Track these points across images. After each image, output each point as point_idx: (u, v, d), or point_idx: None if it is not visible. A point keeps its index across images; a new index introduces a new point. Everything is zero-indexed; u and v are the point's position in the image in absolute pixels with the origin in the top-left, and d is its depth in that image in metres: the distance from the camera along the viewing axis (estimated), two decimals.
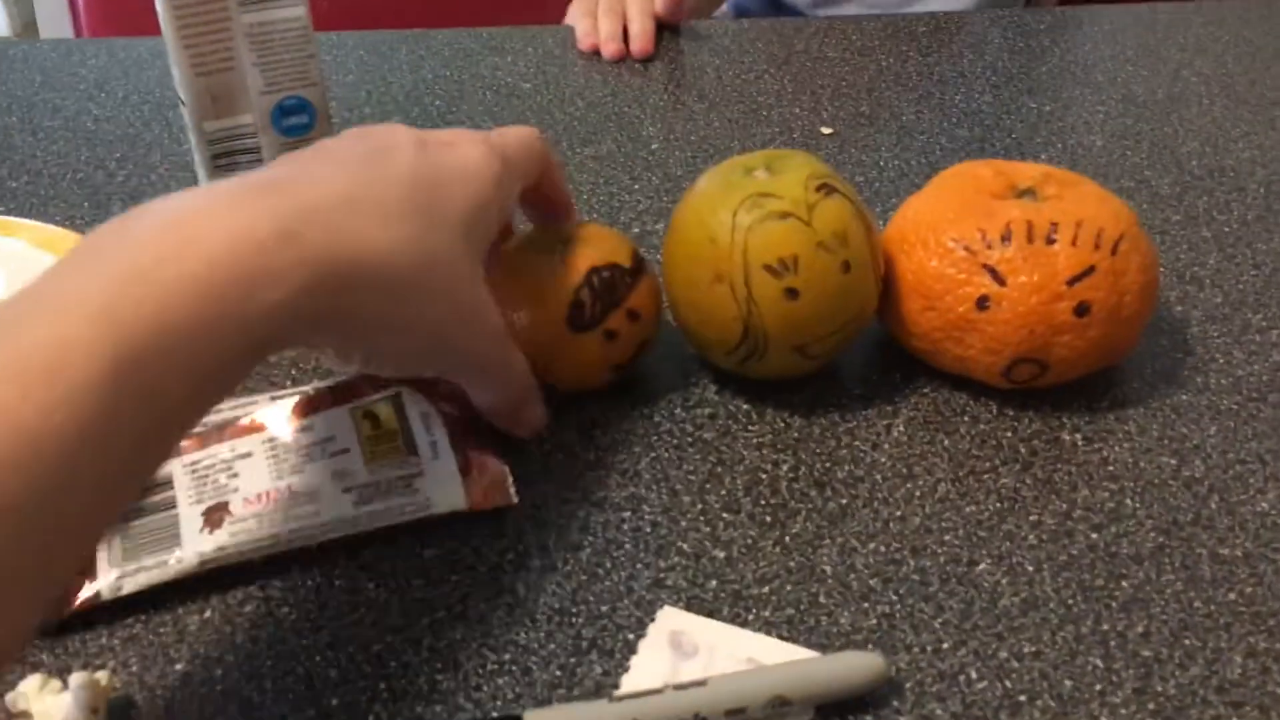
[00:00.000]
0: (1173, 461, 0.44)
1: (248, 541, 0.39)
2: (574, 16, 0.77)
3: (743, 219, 0.43)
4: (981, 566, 0.40)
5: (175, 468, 0.41)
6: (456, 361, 0.40)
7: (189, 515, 0.40)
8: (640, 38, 0.73)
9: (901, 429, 0.46)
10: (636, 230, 0.57)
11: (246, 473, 0.41)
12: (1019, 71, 0.71)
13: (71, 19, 1.16)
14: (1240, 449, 0.44)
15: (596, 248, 0.45)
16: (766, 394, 0.47)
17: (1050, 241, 0.44)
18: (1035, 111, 0.66)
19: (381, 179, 0.36)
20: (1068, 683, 0.36)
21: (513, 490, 0.42)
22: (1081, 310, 0.44)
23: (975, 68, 0.71)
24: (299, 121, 0.57)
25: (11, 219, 0.49)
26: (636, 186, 0.60)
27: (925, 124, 0.65)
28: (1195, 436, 0.45)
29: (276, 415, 0.43)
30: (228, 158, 0.57)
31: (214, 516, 0.40)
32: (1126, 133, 0.64)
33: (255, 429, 0.42)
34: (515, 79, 0.71)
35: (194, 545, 0.39)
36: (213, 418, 0.43)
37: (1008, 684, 0.36)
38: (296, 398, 0.44)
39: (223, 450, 0.42)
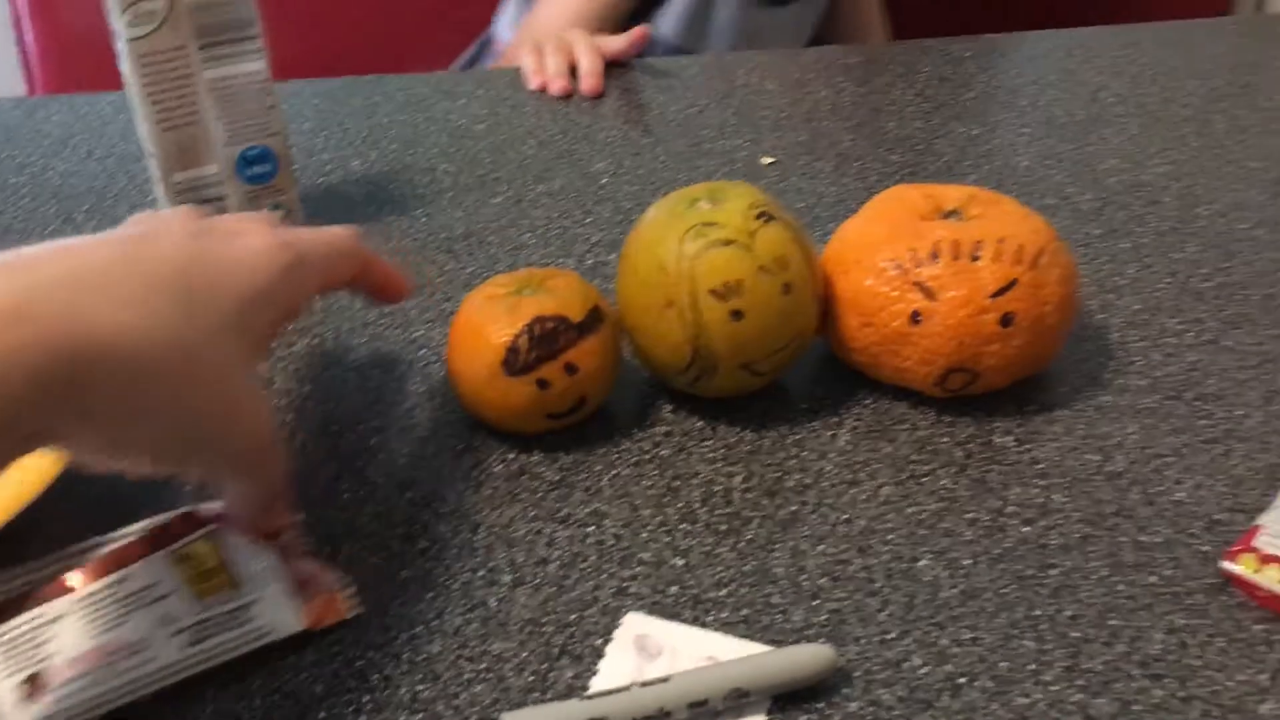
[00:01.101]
0: (1096, 458, 0.47)
1: (77, 705, 0.37)
2: (519, 56, 0.80)
3: (689, 247, 0.46)
4: (922, 562, 0.43)
5: None
6: (213, 457, 0.37)
7: (5, 689, 0.38)
8: (590, 75, 0.76)
9: (846, 438, 0.49)
10: (590, 262, 0.60)
11: (62, 635, 0.39)
12: (947, 98, 0.74)
13: (24, 75, 1.18)
14: (1159, 444, 0.48)
15: (552, 298, 0.47)
16: (718, 411, 0.50)
17: (975, 258, 0.48)
18: (964, 135, 0.70)
19: (138, 260, 0.35)
20: (1004, 664, 0.39)
21: (346, 606, 0.41)
22: (1006, 321, 0.47)
23: (906, 95, 0.75)
24: (262, 170, 0.59)
25: None
26: (589, 220, 0.63)
27: (860, 151, 0.69)
28: (1117, 434, 0.48)
29: (84, 573, 0.41)
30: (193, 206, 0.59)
31: (35, 685, 0.38)
32: (1049, 153, 0.68)
33: (63, 590, 0.40)
34: (469, 120, 0.73)
35: (18, 718, 0.37)
36: (9, 584, 0.41)
37: (949, 668, 0.39)
38: (103, 552, 0.42)
39: (30, 617, 0.40)
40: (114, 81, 0.86)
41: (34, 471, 0.42)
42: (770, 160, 0.68)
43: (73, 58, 1.15)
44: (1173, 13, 0.88)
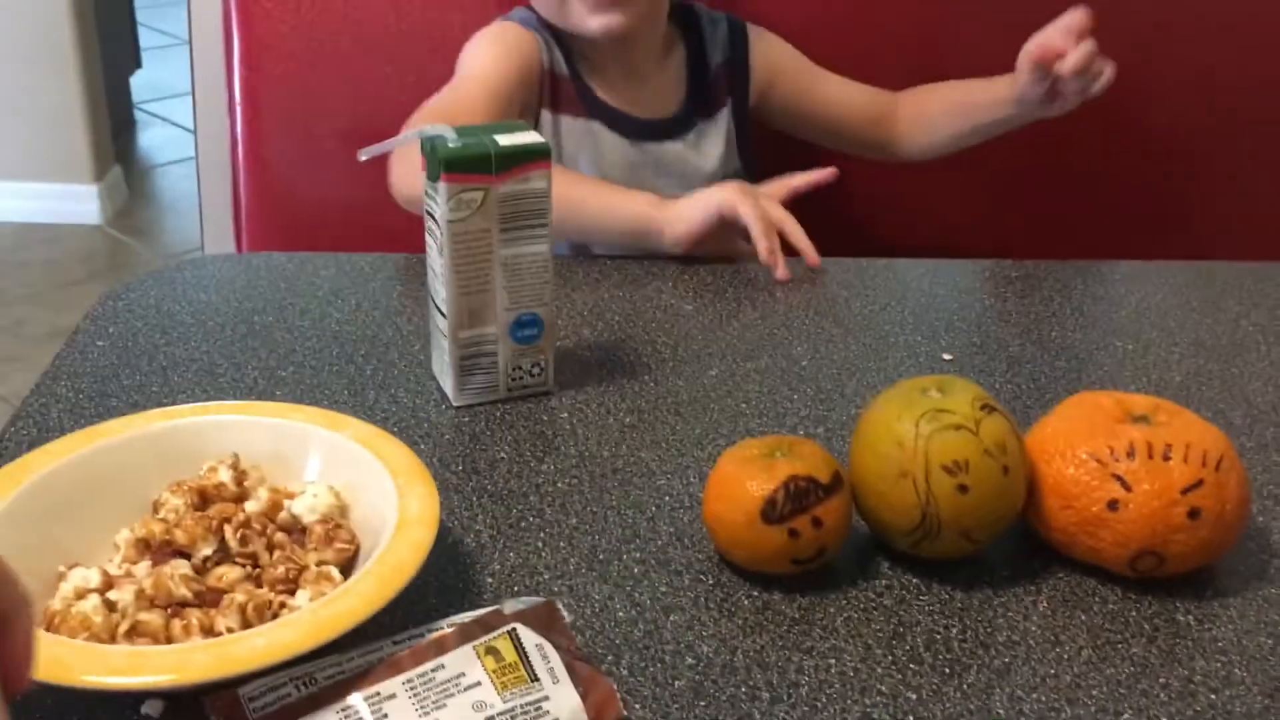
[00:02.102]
0: (1269, 641, 0.54)
1: None
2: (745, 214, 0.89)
3: (924, 428, 0.55)
4: (1125, 716, 0.50)
5: (327, 716, 0.45)
6: None
7: None
8: (809, 252, 0.88)
9: (1045, 605, 0.56)
10: (801, 433, 0.69)
11: (394, 713, 0.45)
12: (1102, 314, 0.84)
13: (235, 238, 1.31)
14: None
15: (803, 461, 0.56)
16: (932, 571, 0.58)
17: (1166, 458, 0.56)
18: (1121, 349, 0.79)
19: None
20: None
21: (620, 705, 0.48)
22: (1194, 514, 0.55)
23: (1064, 309, 0.84)
24: (531, 333, 0.70)
25: (339, 414, 0.60)
26: (795, 396, 0.73)
27: (1029, 356, 0.78)
28: None
29: (408, 656, 0.47)
30: (472, 360, 0.69)
31: None
32: (1199, 371, 0.76)
33: (393, 671, 0.47)
34: (678, 300, 0.84)
35: None
36: (350, 664, 0.47)
37: None
38: (422, 639, 0.48)
39: (367, 694, 0.46)
40: (318, 242, 0.98)
41: (383, 576, 0.51)
42: (949, 357, 0.77)
43: (280, 218, 1.28)
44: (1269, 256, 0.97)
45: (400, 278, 0.86)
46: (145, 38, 3.58)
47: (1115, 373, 0.76)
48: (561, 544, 0.59)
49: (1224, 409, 0.72)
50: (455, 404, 0.70)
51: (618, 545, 0.59)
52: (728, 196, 0.87)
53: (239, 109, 1.28)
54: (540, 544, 0.59)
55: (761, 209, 0.86)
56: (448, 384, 0.70)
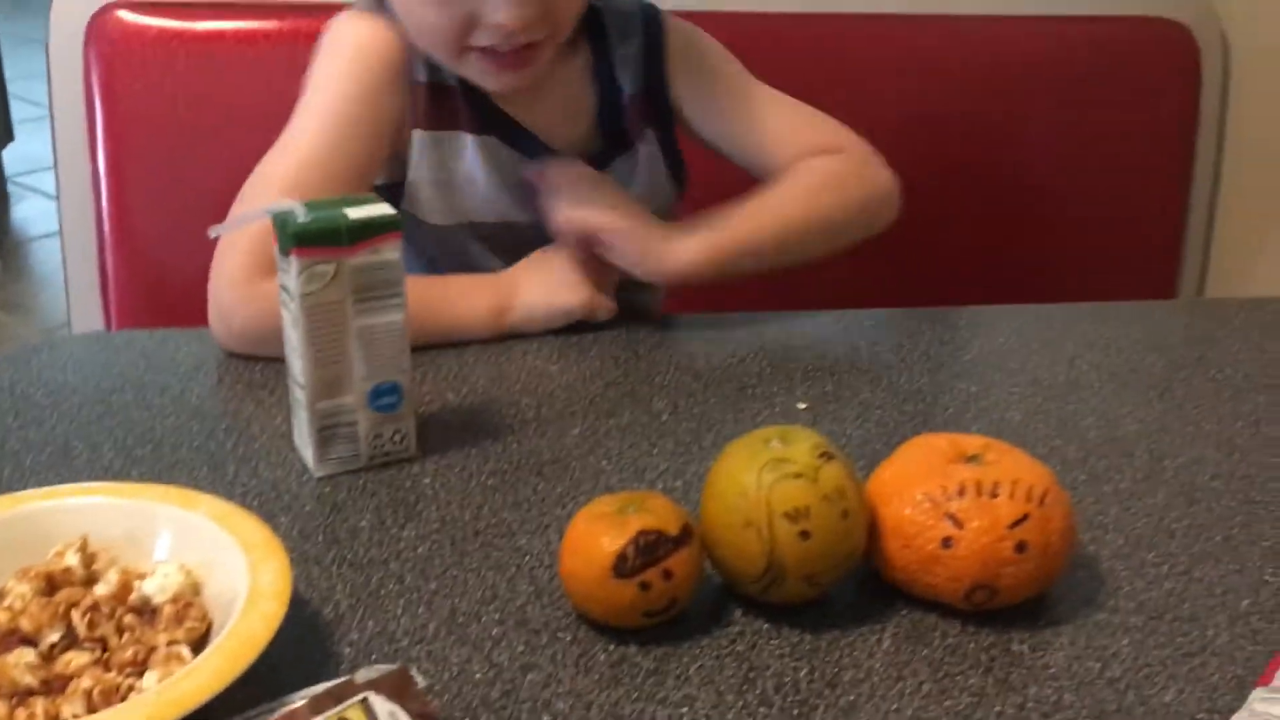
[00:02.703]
0: (1096, 665, 0.57)
1: None
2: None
3: (765, 478, 0.58)
4: None
5: None
6: None
7: None
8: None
9: (889, 642, 0.59)
10: (661, 487, 0.71)
11: None
12: (948, 359, 0.88)
13: (103, 315, 1.29)
14: (1147, 655, 0.58)
15: (653, 515, 0.58)
16: (781, 616, 0.60)
17: (994, 495, 0.59)
18: (965, 391, 0.83)
19: None
20: None
21: None
22: (1021, 548, 0.58)
23: (912, 355, 0.88)
24: (390, 401, 0.71)
25: (191, 491, 0.60)
26: (655, 451, 0.75)
27: (880, 400, 0.81)
28: (1112, 646, 0.59)
29: None
30: (331, 430, 0.70)
31: None
32: (1037, 410, 0.80)
33: None
34: (543, 361, 0.85)
35: None
36: None
37: None
38: (272, 716, 0.48)
39: None
40: (188, 316, 0.98)
41: (231, 652, 0.51)
42: (804, 405, 0.80)
43: (150, 293, 1.27)
44: (1124, 295, 1.03)
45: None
46: (17, 110, 3.50)
47: (959, 414, 0.80)
48: (420, 609, 0.60)
49: (1059, 445, 0.76)
50: (317, 475, 0.70)
51: (476, 607, 0.60)
52: (582, 304, 0.87)
53: (104, 182, 1.27)
54: (399, 610, 0.60)
55: (612, 305, 0.89)
56: (308, 455, 0.70)
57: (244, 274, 0.79)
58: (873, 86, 1.38)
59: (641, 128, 0.96)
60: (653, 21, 0.96)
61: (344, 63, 0.88)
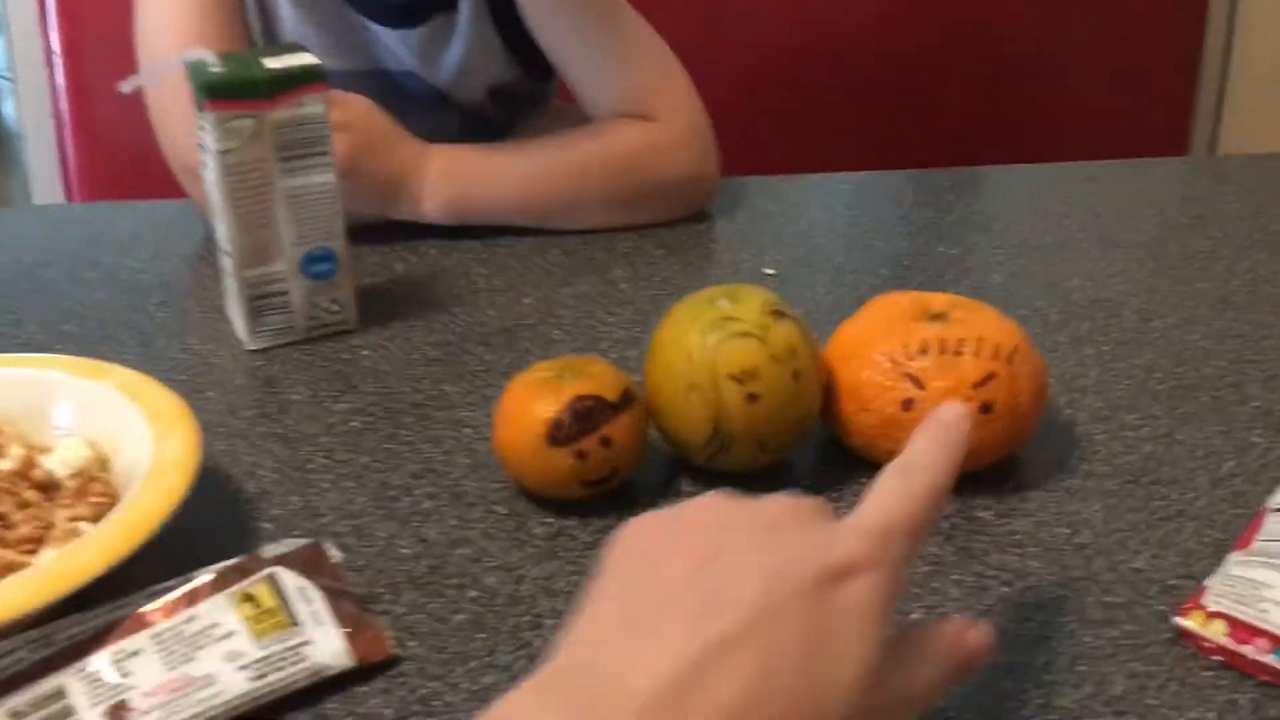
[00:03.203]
0: (1066, 531, 0.54)
1: None
2: None
3: (710, 338, 0.53)
4: (914, 615, 0.49)
5: (65, 679, 0.42)
6: None
7: (90, 718, 0.41)
8: None
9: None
10: (614, 355, 0.67)
11: (139, 670, 0.43)
12: (929, 222, 0.83)
13: (63, 184, 1.25)
14: (1120, 520, 0.54)
15: (591, 380, 0.54)
16: (732, 485, 0.56)
17: (958, 354, 0.55)
18: (944, 255, 0.78)
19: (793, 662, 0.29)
20: (987, 702, 0.44)
21: (391, 643, 0.46)
22: (986, 408, 0.54)
23: (892, 218, 0.83)
24: (325, 268, 0.67)
25: (100, 362, 0.57)
26: (611, 320, 0.71)
27: (853, 265, 0.77)
28: (1084, 512, 0.55)
29: (159, 611, 0.45)
30: (262, 299, 0.66)
31: (117, 715, 0.41)
32: (1021, 271, 0.76)
33: (140, 625, 0.44)
34: (496, 230, 0.81)
35: None
36: (93, 622, 0.44)
37: (941, 705, 0.44)
38: (174, 592, 0.45)
39: (112, 651, 0.43)
40: (148, 190, 0.93)
41: (127, 526, 0.48)
42: (772, 272, 0.76)
43: (110, 168, 1.23)
44: (1133, 152, 0.98)
45: (209, 222, 0.82)
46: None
47: (937, 277, 0.75)
48: (349, 484, 0.57)
49: (1041, 306, 0.72)
50: (249, 347, 0.66)
51: (409, 481, 0.57)
52: None
53: (58, 59, 1.22)
54: (326, 485, 0.56)
55: None
56: (240, 327, 0.67)
57: (189, 145, 0.72)
58: None
59: None
60: None
61: None
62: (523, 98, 0.91)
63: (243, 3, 0.79)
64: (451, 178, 0.77)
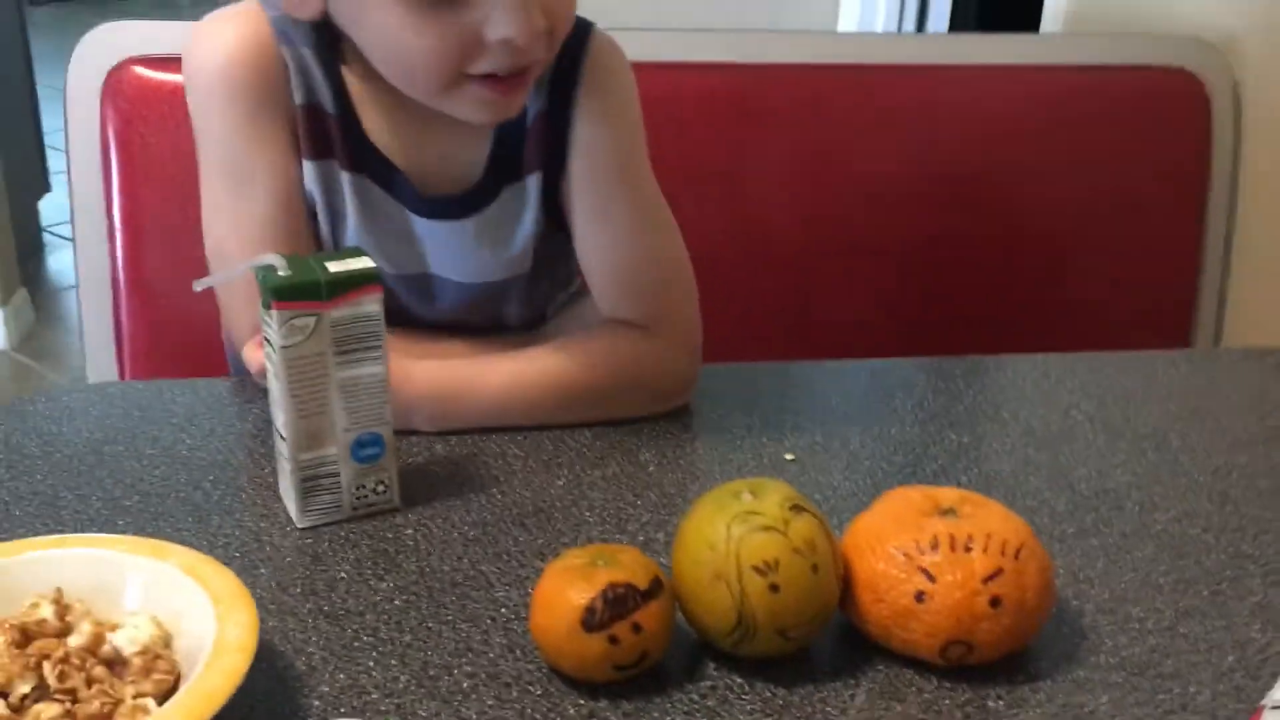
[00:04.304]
0: None
1: None
2: None
3: (735, 530, 0.57)
4: None
5: None
6: None
7: None
8: None
9: (863, 697, 0.58)
10: (642, 539, 0.70)
11: None
12: (941, 409, 0.87)
13: (117, 363, 1.31)
14: (1126, 713, 0.57)
15: (622, 569, 0.58)
16: (756, 671, 0.59)
17: (968, 549, 0.58)
18: (955, 442, 0.82)
19: None
20: None
21: None
22: (995, 602, 0.57)
23: (905, 405, 0.88)
24: (373, 452, 0.71)
25: (163, 543, 0.61)
26: (639, 503, 0.74)
27: (869, 452, 0.81)
28: (1090, 704, 0.58)
29: None
30: (314, 481, 0.70)
31: None
32: (1029, 461, 0.80)
33: None
34: None
35: None
36: None
37: None
38: None
39: None
40: (199, 364, 0.99)
41: (192, 707, 0.51)
42: (791, 457, 0.80)
43: (164, 346, 1.29)
44: (1137, 345, 1.02)
45: (259, 401, 0.87)
46: (54, 160, 3.58)
47: (949, 465, 0.79)
48: (393, 661, 0.60)
49: (1048, 497, 0.75)
50: (299, 526, 0.71)
51: (449, 660, 0.60)
52: None
53: (119, 234, 1.30)
54: (372, 663, 0.60)
55: None
56: (291, 506, 0.71)
57: (253, 332, 0.77)
58: (887, 137, 1.39)
59: (538, 155, 0.84)
60: (577, 32, 0.82)
61: (221, 101, 0.79)
62: (561, 264, 0.91)
63: (312, 210, 0.83)
64: (435, 398, 0.81)
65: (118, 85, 1.26)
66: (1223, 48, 1.44)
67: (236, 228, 0.81)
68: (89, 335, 1.35)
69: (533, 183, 0.85)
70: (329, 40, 0.81)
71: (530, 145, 0.84)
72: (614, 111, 0.85)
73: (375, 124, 0.83)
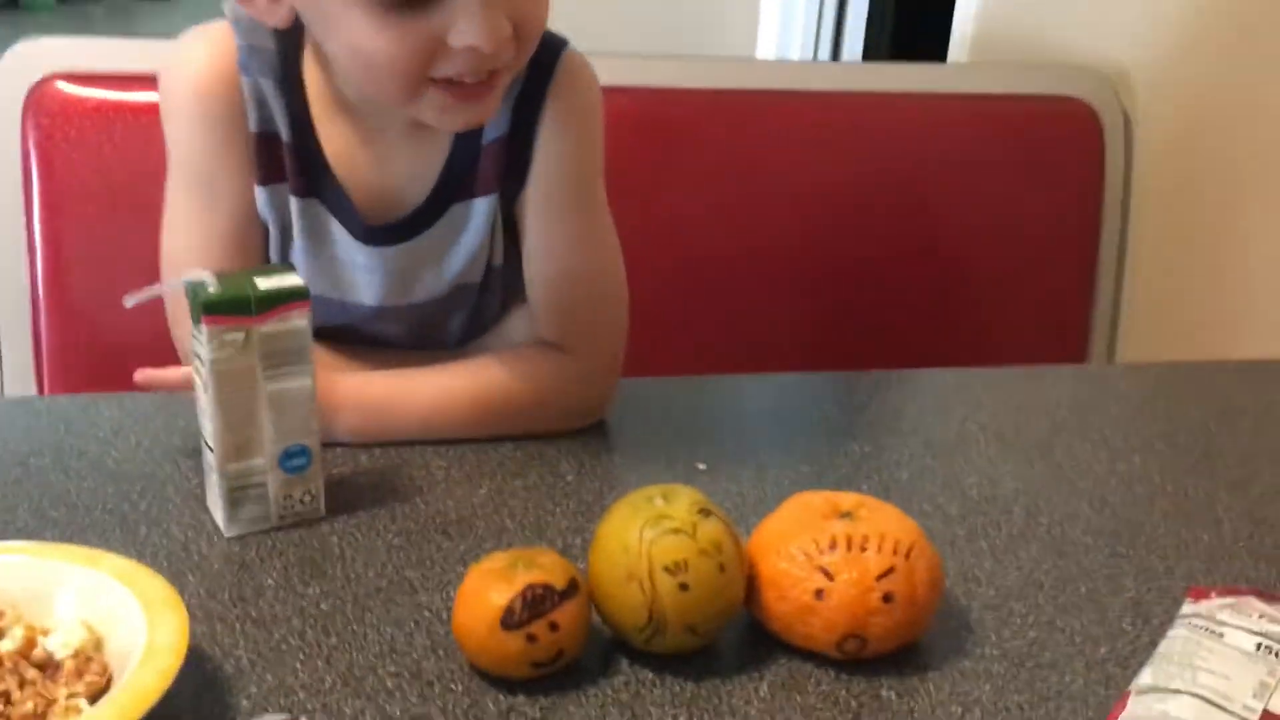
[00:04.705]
0: (958, 709, 0.61)
1: None
2: None
3: (647, 534, 0.61)
4: None
5: None
6: None
7: None
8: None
9: (766, 690, 0.62)
10: (560, 544, 0.74)
11: None
12: (845, 421, 0.92)
13: (35, 381, 1.31)
14: (1007, 700, 0.62)
15: (541, 570, 0.61)
16: (666, 665, 0.63)
17: (863, 549, 0.63)
18: (858, 452, 0.87)
19: None
20: None
21: None
22: (888, 598, 0.62)
23: (813, 417, 0.92)
24: (299, 463, 0.74)
25: (95, 550, 0.63)
26: (558, 510, 0.78)
27: (776, 461, 0.85)
28: (975, 692, 0.62)
29: None
30: (241, 491, 0.73)
31: None
32: (924, 469, 0.85)
33: None
34: None
35: None
36: None
37: None
38: None
39: None
40: (120, 379, 1.00)
41: (124, 704, 0.53)
42: (703, 466, 0.84)
43: (83, 362, 1.29)
44: (1038, 359, 1.09)
45: (185, 414, 0.88)
46: None
47: (851, 474, 0.84)
48: (319, 663, 0.62)
49: (942, 502, 0.80)
50: (227, 535, 0.73)
51: (373, 661, 0.63)
52: None
53: (39, 250, 1.30)
54: (299, 664, 0.62)
55: None
56: (219, 516, 0.73)
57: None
58: (802, 160, 1.45)
59: (494, 177, 0.86)
60: (546, 49, 0.83)
61: (189, 120, 0.83)
62: (516, 275, 0.92)
63: (264, 231, 0.86)
64: (359, 409, 0.83)
65: (40, 101, 1.27)
66: (1114, 78, 1.52)
67: (193, 241, 0.84)
68: (6, 351, 1.35)
69: (482, 205, 0.86)
70: (289, 66, 0.83)
71: (485, 166, 0.86)
72: (578, 132, 0.87)
73: (336, 147, 0.85)
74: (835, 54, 2.14)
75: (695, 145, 1.41)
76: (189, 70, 0.83)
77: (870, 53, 2.16)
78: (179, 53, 0.84)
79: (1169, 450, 0.89)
